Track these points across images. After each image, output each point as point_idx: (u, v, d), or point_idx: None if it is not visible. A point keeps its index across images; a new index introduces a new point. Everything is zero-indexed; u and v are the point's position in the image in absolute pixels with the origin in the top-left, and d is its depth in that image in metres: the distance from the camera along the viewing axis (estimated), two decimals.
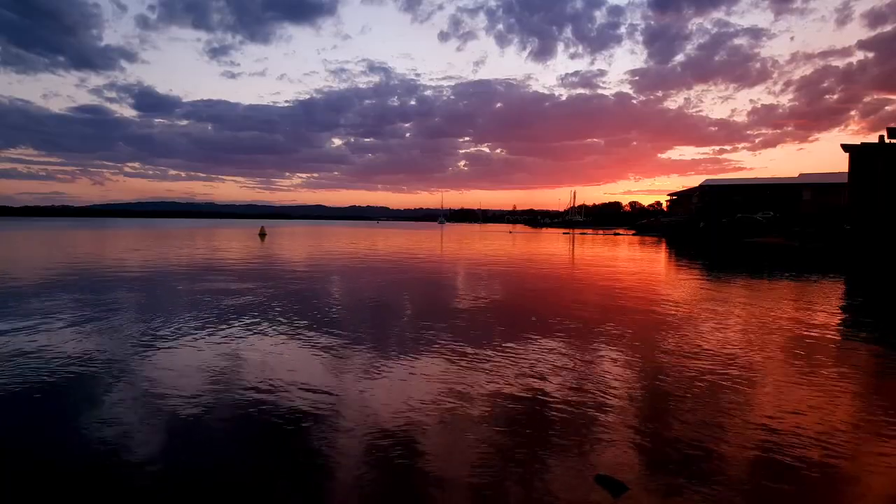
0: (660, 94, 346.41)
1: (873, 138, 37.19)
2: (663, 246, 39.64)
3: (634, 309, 10.76)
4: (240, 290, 12.70)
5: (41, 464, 3.86)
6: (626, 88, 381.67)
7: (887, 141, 36.39)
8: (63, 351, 6.82)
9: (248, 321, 8.93)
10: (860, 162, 36.09)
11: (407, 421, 4.68)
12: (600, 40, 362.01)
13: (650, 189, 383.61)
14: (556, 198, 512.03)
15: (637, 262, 24.17)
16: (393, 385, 5.68)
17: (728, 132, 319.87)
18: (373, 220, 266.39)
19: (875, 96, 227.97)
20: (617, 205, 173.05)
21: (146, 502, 3.37)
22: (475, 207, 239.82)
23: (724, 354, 7.06)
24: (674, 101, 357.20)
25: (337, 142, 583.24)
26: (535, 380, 5.89)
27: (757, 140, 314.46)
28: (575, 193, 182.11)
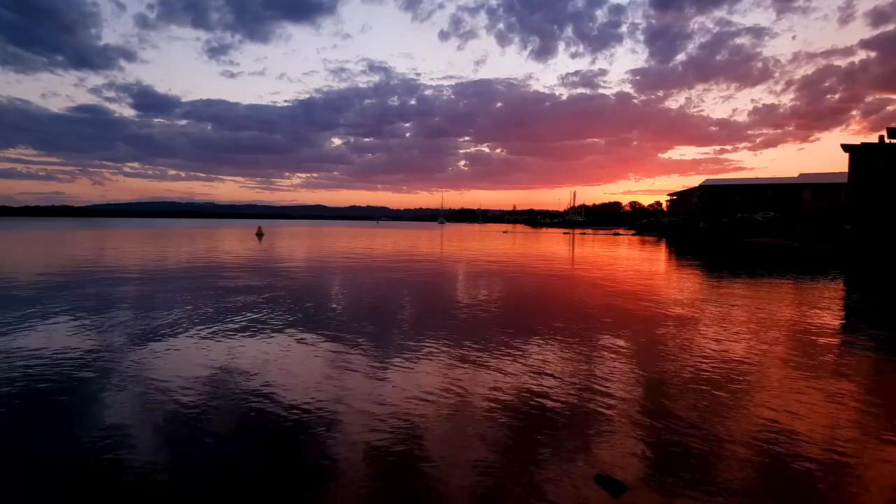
0: (661, 93, 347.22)
1: (874, 138, 37.14)
2: (663, 246, 39.63)
3: (635, 309, 10.75)
4: (238, 288, 12.69)
5: (42, 463, 3.86)
6: (627, 88, 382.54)
7: (887, 141, 36.36)
8: (66, 347, 6.82)
9: (247, 321, 8.92)
10: (860, 162, 36.05)
11: (407, 420, 4.67)
12: (601, 39, 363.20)
13: (650, 189, 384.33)
14: (556, 198, 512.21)
15: (637, 262, 24.16)
16: (393, 384, 5.67)
17: (729, 132, 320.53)
18: (373, 220, 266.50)
19: (877, 96, 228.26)
20: (617, 205, 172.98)
21: (148, 501, 3.37)
22: (475, 207, 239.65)
23: (724, 354, 7.05)
24: (675, 101, 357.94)
25: (337, 142, 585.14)
26: (536, 379, 5.89)
27: (758, 140, 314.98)
28: (575, 193, 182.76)
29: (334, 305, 10.83)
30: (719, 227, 47.34)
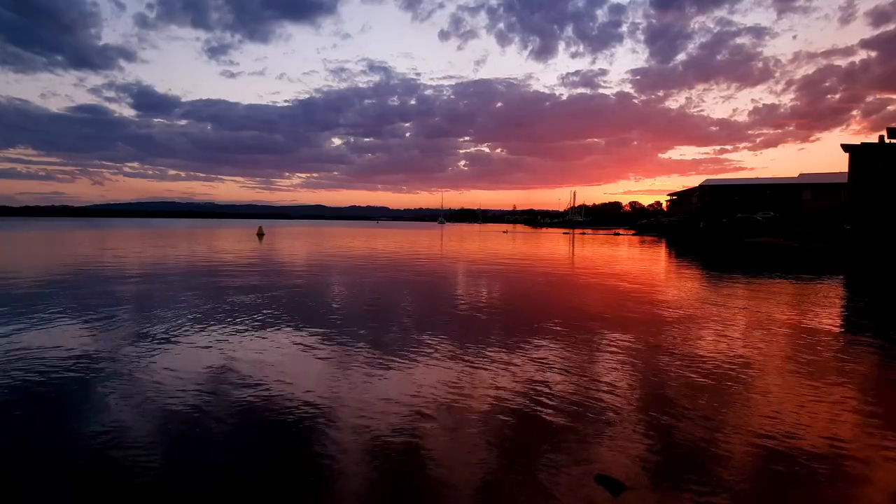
0: (661, 93, 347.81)
1: (874, 138, 37.13)
2: (663, 246, 39.62)
3: (634, 309, 10.75)
4: (240, 287, 12.69)
5: (42, 463, 3.86)
6: (628, 88, 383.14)
7: (887, 141, 36.35)
8: (66, 347, 6.82)
9: (248, 320, 8.92)
10: (860, 162, 36.03)
11: (407, 420, 4.67)
12: (602, 39, 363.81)
13: (650, 189, 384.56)
14: (556, 198, 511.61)
15: (637, 261, 24.16)
16: (393, 384, 5.67)
17: (729, 132, 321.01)
18: (372, 220, 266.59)
19: (877, 96, 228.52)
20: (617, 205, 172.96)
21: (148, 501, 3.37)
22: (475, 207, 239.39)
23: (724, 354, 7.05)
24: (675, 101, 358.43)
25: (337, 142, 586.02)
26: (536, 378, 5.88)
27: (758, 140, 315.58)
28: (575, 193, 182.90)
29: (335, 305, 10.83)
30: (719, 227, 47.33)
